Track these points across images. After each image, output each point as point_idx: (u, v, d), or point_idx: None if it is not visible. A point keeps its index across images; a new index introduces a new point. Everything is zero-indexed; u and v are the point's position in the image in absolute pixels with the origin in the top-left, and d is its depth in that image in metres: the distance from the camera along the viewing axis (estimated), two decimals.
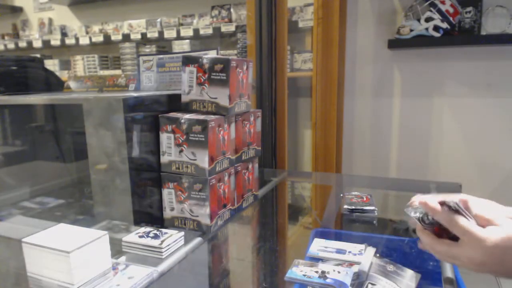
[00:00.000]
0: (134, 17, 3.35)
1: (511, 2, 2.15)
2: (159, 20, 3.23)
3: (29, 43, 3.71)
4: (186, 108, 1.02)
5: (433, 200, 0.60)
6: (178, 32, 3.04)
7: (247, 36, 1.75)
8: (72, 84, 1.35)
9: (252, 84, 1.14)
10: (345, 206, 1.17)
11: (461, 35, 2.24)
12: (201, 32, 2.94)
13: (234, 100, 1.00)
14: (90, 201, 0.98)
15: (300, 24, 2.62)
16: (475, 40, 2.21)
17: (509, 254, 0.53)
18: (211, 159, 0.94)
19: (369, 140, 2.62)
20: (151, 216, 0.99)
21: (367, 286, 0.72)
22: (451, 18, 2.14)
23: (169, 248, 0.85)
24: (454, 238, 0.59)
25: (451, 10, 2.13)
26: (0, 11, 4.14)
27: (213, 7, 3.02)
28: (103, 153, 0.91)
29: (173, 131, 0.95)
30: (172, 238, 0.87)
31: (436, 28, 2.19)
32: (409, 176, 2.47)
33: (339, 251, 0.86)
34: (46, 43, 3.62)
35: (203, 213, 0.95)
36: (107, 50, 3.59)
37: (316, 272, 0.76)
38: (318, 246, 0.90)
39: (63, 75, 3.45)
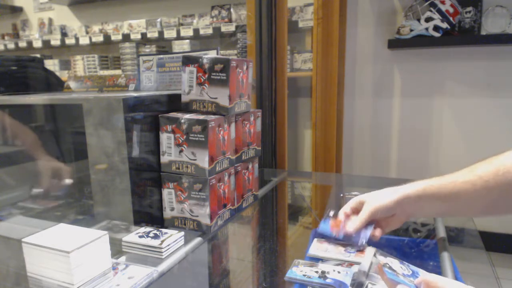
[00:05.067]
0: (134, 17, 3.35)
1: (511, 2, 2.15)
2: (159, 20, 3.23)
3: (29, 43, 3.71)
4: (186, 108, 1.02)
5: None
6: (178, 32, 3.05)
7: (247, 36, 1.75)
8: (72, 84, 1.35)
9: (252, 84, 1.14)
10: None
11: (461, 35, 2.24)
12: (201, 32, 2.94)
13: (234, 100, 1.00)
14: (90, 201, 0.98)
15: (300, 24, 2.62)
16: (475, 40, 2.21)
17: None
18: (211, 159, 0.94)
19: (369, 140, 2.62)
20: (151, 216, 0.99)
21: (367, 286, 0.72)
22: (451, 18, 2.14)
23: (169, 248, 0.85)
24: None
25: (451, 10, 2.13)
26: (0, 11, 4.14)
27: (213, 7, 3.02)
28: (103, 153, 0.91)
29: (173, 131, 0.95)
30: (172, 238, 0.87)
31: (436, 28, 2.19)
32: (409, 176, 2.46)
33: (339, 251, 0.86)
34: (46, 43, 3.62)
35: (203, 213, 0.95)
36: (107, 50, 3.59)
37: (316, 272, 0.76)
38: (318, 246, 0.89)
39: (63, 75, 3.45)
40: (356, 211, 0.82)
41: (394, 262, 0.61)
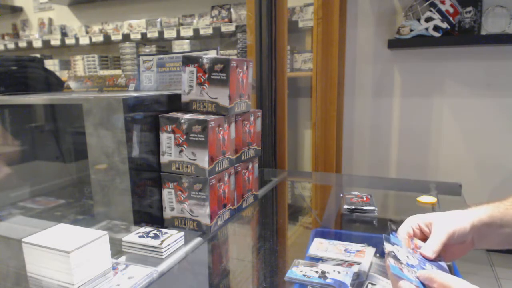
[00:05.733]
0: (134, 17, 3.35)
1: (511, 2, 2.15)
2: (159, 20, 3.23)
3: (29, 43, 3.71)
4: (186, 108, 1.02)
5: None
6: (178, 32, 3.04)
7: (247, 36, 1.75)
8: (72, 84, 1.35)
9: (252, 84, 1.14)
10: (345, 206, 1.17)
11: (461, 35, 2.24)
12: (201, 32, 2.94)
13: (234, 100, 1.00)
14: (90, 201, 0.98)
15: (300, 24, 2.62)
16: (475, 40, 2.21)
17: None
18: (211, 159, 0.94)
19: (369, 140, 2.62)
20: (151, 216, 0.99)
21: (367, 286, 0.72)
22: (451, 18, 2.14)
23: (169, 248, 0.85)
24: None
25: (451, 10, 2.13)
26: (0, 11, 4.14)
27: (213, 7, 3.02)
28: (103, 153, 0.91)
29: (173, 131, 0.95)
30: (172, 238, 0.87)
31: (436, 28, 2.19)
32: (409, 176, 2.47)
33: (339, 251, 0.86)
34: (46, 43, 3.62)
35: (203, 213, 0.95)
36: (107, 50, 3.59)
37: (316, 272, 0.76)
38: (318, 246, 0.90)
39: (63, 75, 3.45)
40: (420, 232, 0.71)
41: (400, 250, 0.60)
